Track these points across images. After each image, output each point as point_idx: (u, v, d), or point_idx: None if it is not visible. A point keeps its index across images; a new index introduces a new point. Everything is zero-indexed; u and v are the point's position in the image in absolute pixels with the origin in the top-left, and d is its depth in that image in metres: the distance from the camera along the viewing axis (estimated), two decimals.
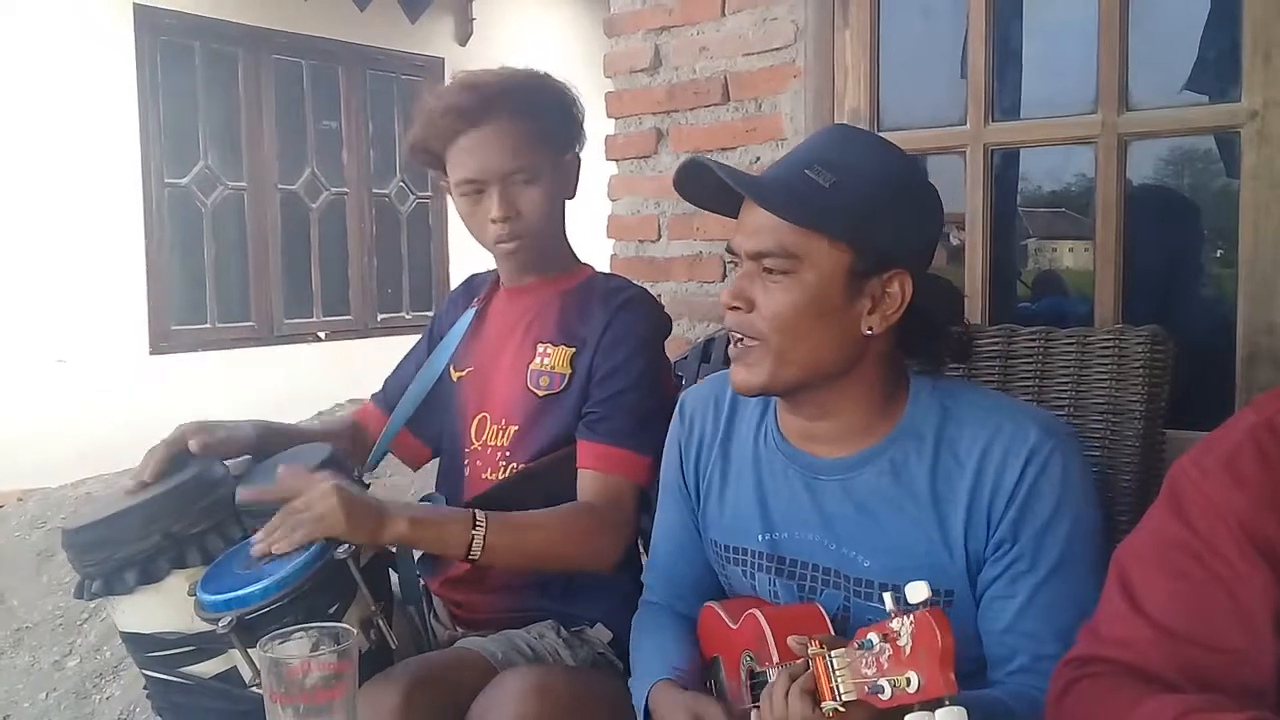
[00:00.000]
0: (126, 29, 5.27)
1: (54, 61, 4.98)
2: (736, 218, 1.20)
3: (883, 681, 0.85)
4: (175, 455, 1.42)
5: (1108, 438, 1.44)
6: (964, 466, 1.14)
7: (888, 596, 0.88)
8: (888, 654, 0.86)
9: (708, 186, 1.19)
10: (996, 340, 1.55)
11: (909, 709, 0.84)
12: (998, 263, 2.10)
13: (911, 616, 0.85)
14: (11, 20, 4.88)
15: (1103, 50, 1.89)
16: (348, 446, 1.71)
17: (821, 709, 0.91)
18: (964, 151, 2.06)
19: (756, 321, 1.14)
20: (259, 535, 1.26)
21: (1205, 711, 0.84)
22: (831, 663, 0.91)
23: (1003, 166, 2.15)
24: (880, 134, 1.93)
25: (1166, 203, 2.14)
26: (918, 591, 0.86)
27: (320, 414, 4.57)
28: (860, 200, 1.12)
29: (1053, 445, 1.12)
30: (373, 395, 1.82)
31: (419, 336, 1.85)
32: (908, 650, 0.84)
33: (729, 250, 1.20)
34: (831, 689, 0.90)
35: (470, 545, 1.36)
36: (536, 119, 1.55)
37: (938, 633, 0.83)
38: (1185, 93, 1.95)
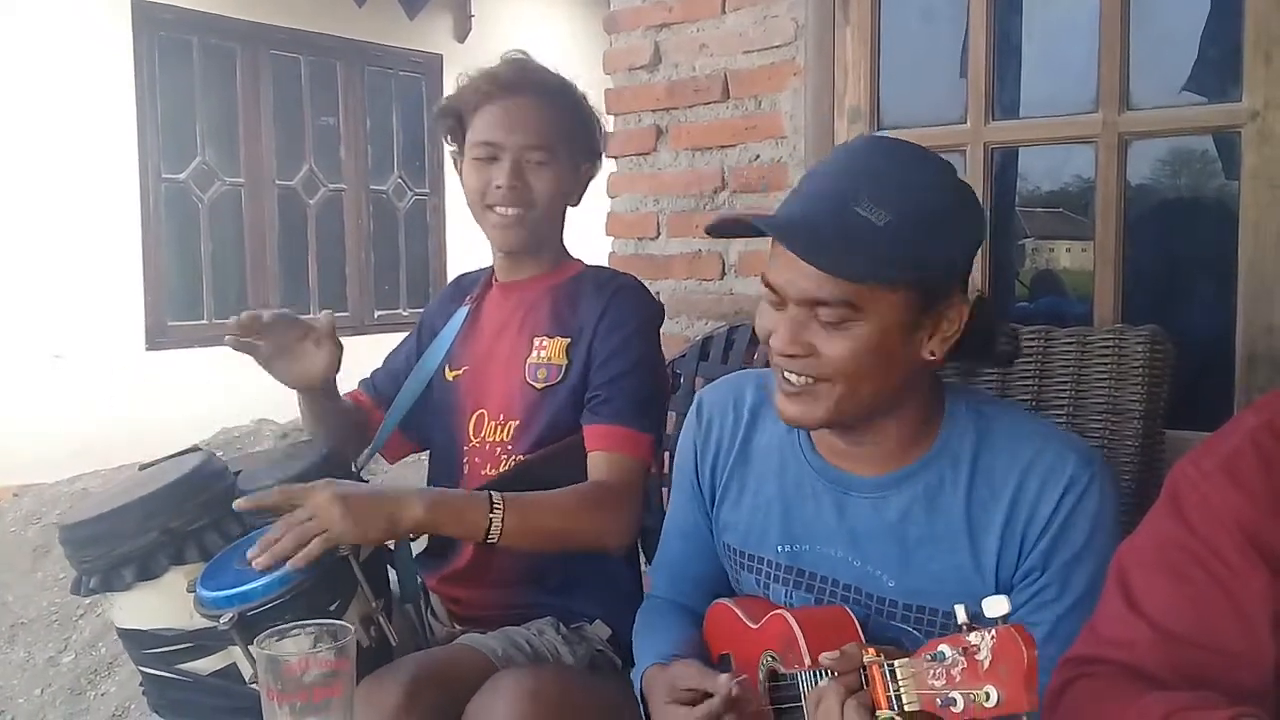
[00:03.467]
0: (124, 24, 5.26)
1: (52, 56, 4.96)
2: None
3: (955, 694, 0.83)
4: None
5: (1107, 437, 1.44)
6: (1000, 495, 1.13)
7: (959, 609, 0.86)
8: (961, 667, 0.84)
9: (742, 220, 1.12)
10: None
11: None
12: (997, 262, 2.10)
13: (993, 630, 0.83)
14: (10, 15, 4.87)
15: (1104, 49, 1.88)
16: (349, 414, 1.72)
17: (876, 717, 0.89)
18: (964, 150, 2.06)
19: (820, 366, 1.09)
20: (255, 550, 1.24)
21: (1194, 709, 0.84)
22: (892, 672, 0.88)
23: (1002, 165, 2.15)
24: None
25: (1166, 202, 2.14)
26: (998, 605, 0.84)
27: None
28: (918, 238, 1.05)
29: (1090, 476, 1.11)
30: (361, 383, 1.82)
31: None
32: (986, 664, 0.82)
33: (766, 284, 1.12)
34: (888, 698, 0.88)
35: (489, 527, 1.35)
36: (567, 115, 1.60)
37: (1023, 648, 0.81)
38: (1186, 93, 1.95)
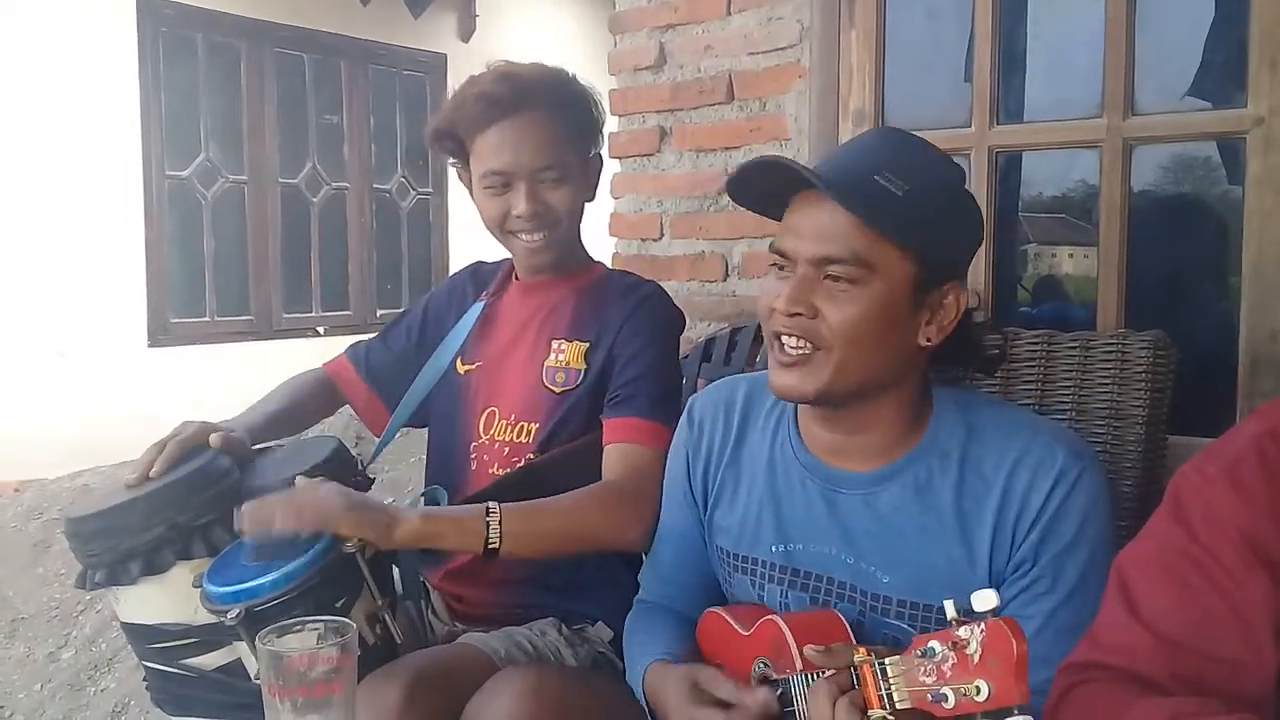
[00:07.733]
0: (129, 20, 5.25)
1: (56, 52, 4.96)
2: (779, 219, 1.16)
3: (946, 689, 0.83)
4: (185, 453, 1.41)
5: (1109, 442, 1.44)
6: (990, 486, 1.13)
7: (949, 604, 0.86)
8: (951, 662, 0.83)
9: (761, 184, 1.16)
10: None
11: (971, 718, 0.82)
12: (1001, 267, 2.10)
13: (983, 624, 0.82)
14: (14, 10, 4.87)
15: (1109, 54, 1.89)
16: (320, 406, 1.72)
17: (868, 717, 0.88)
18: (968, 154, 2.06)
19: (821, 329, 1.10)
20: (249, 519, 1.23)
21: (1195, 715, 0.84)
22: (883, 670, 0.88)
23: (1006, 170, 2.15)
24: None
25: (1170, 208, 2.14)
26: (985, 600, 0.83)
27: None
28: (930, 210, 1.10)
29: (1081, 468, 1.11)
30: (349, 352, 1.77)
31: None
32: (976, 658, 0.82)
33: (776, 251, 1.14)
34: (880, 696, 0.88)
35: (487, 536, 1.32)
36: (568, 117, 1.56)
37: (1013, 640, 0.80)
38: (1190, 98, 1.95)
